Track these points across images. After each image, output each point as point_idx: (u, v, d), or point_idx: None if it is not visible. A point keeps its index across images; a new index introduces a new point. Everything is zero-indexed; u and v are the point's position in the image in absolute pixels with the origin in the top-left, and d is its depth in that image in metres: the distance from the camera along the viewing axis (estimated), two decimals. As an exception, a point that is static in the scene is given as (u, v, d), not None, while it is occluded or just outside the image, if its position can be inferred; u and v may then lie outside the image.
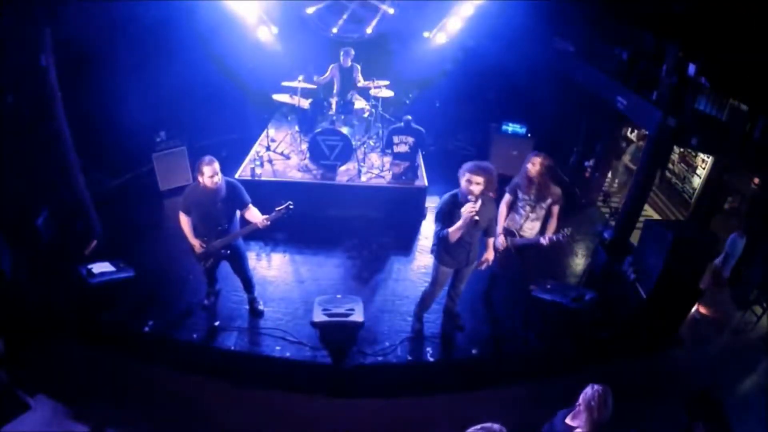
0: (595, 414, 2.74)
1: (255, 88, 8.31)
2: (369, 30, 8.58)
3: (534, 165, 4.53)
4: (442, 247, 4.18)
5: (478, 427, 2.49)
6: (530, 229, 4.71)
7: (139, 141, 6.71)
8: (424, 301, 4.73)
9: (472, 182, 3.79)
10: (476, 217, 3.73)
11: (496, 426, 2.50)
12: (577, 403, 2.88)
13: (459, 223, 3.81)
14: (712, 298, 5.71)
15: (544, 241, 4.41)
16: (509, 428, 2.68)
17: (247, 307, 4.98)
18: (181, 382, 4.36)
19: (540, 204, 4.63)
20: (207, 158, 4.07)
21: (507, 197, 4.76)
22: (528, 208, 4.66)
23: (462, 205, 3.82)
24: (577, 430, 2.82)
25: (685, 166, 7.28)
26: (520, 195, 4.69)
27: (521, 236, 4.71)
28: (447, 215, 3.95)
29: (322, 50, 8.29)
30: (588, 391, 2.85)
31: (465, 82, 8.72)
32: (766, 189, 5.94)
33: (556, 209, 4.66)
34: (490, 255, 4.38)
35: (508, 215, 4.80)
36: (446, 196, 4.05)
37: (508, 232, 4.78)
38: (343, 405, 4.35)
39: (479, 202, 3.80)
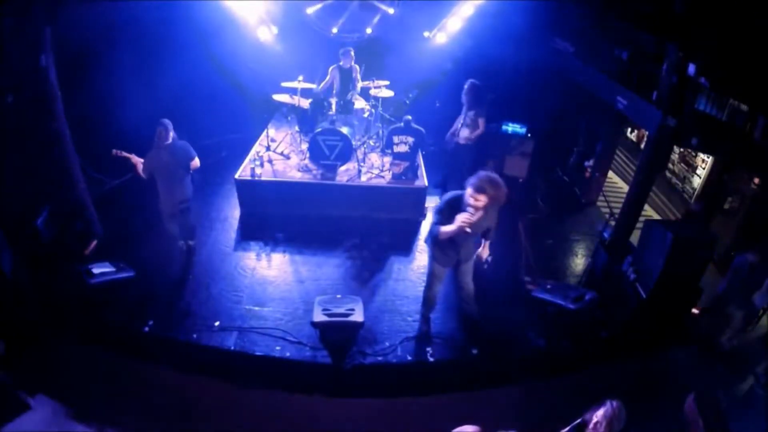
0: (616, 427, 2.91)
1: (255, 88, 8.31)
2: (369, 30, 8.59)
3: (467, 86, 6.77)
4: (433, 241, 4.21)
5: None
6: (464, 133, 6.87)
7: (139, 141, 6.69)
8: (427, 300, 4.73)
9: (474, 198, 3.71)
10: (468, 230, 3.73)
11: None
12: (595, 422, 2.92)
13: (451, 228, 3.79)
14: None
15: (461, 141, 6.86)
16: (509, 428, 2.69)
17: (246, 307, 5.00)
18: (181, 382, 4.36)
19: (469, 114, 6.78)
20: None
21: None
22: (462, 117, 6.88)
23: (461, 210, 3.77)
24: None
25: (685, 166, 7.28)
26: (463, 110, 6.90)
27: (458, 137, 6.91)
28: (445, 214, 3.93)
29: (322, 51, 8.29)
30: (608, 410, 2.93)
31: (465, 82, 8.71)
32: (766, 189, 5.93)
33: (481, 122, 6.74)
34: (484, 253, 4.38)
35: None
36: (450, 195, 4.01)
37: (452, 135, 7.07)
38: (343, 405, 4.35)
39: (478, 214, 3.75)
